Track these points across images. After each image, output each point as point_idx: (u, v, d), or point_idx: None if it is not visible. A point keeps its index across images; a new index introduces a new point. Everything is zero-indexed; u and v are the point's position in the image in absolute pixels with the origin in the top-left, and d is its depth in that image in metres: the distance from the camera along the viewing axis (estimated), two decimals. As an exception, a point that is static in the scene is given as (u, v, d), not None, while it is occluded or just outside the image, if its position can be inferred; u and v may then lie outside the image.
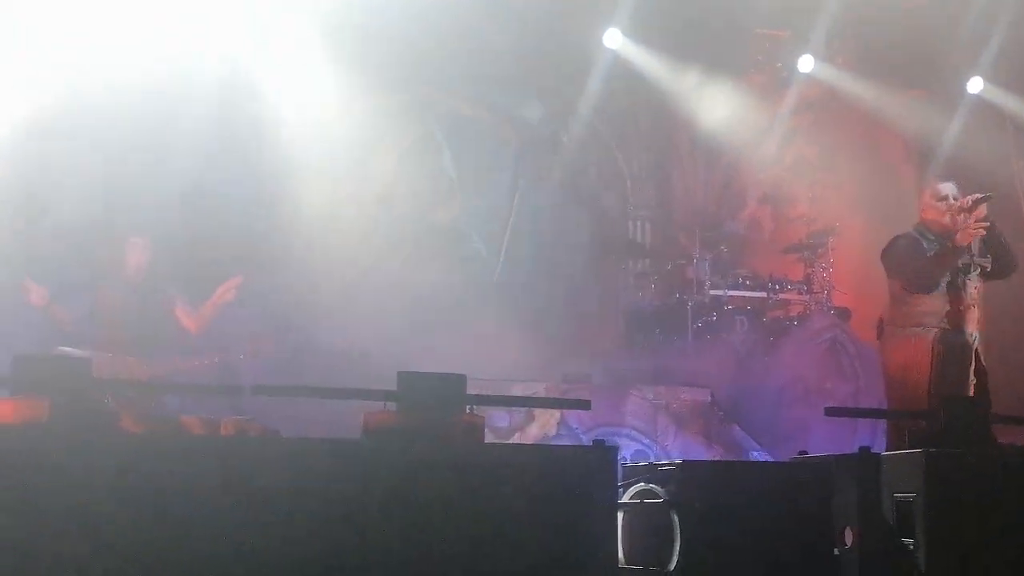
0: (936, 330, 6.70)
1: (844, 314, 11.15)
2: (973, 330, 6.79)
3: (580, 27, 11.33)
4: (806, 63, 11.97)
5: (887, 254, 7.09)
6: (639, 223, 12.27)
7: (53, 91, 9.05)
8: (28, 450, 4.07)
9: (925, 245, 6.96)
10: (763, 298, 11.12)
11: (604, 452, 4.57)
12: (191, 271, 9.79)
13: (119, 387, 6.10)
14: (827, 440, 8.93)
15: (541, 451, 5.40)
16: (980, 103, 12.00)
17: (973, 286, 6.84)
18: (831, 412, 5.12)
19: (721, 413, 9.68)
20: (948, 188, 7.08)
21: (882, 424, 8.57)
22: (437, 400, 4.60)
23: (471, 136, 11.66)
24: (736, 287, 11.03)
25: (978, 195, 6.93)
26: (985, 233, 6.79)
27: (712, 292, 10.88)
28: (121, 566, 4.07)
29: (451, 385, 4.66)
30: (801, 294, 11.27)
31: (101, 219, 8.92)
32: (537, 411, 9.35)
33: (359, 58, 10.28)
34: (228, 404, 7.79)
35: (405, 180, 11.32)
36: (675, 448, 9.27)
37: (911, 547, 4.33)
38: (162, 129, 9.48)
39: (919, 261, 6.83)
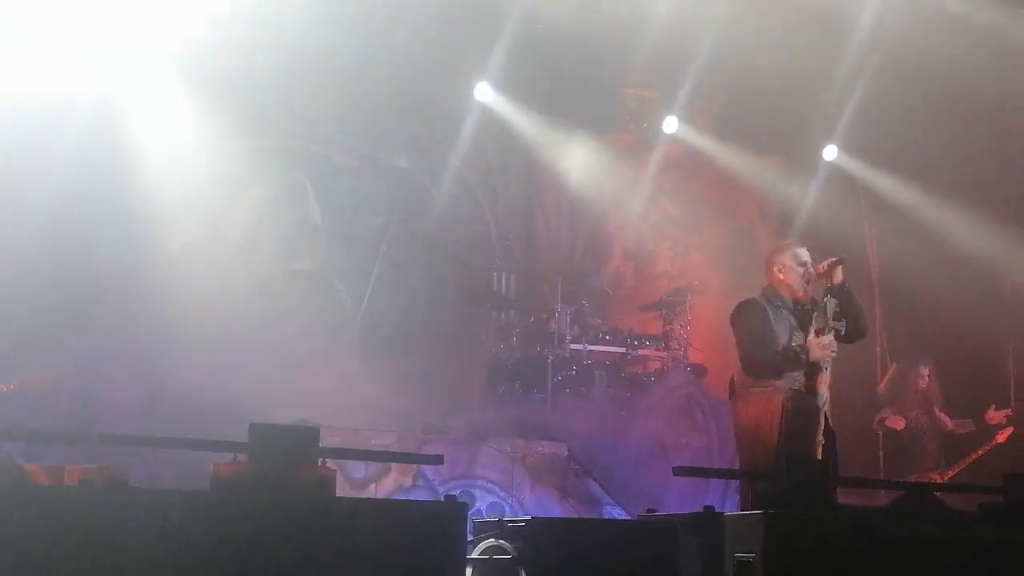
0: (787, 390, 6.78)
1: (700, 371, 11.37)
2: (824, 392, 6.83)
3: (451, 80, 11.45)
4: (671, 124, 12.29)
5: (735, 325, 7.10)
6: (504, 275, 12.35)
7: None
8: None
9: (771, 314, 6.96)
10: (622, 353, 11.29)
11: (455, 508, 4.59)
12: (53, 307, 9.59)
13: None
14: (682, 496, 9.09)
15: (392, 506, 5.39)
16: (834, 170, 12.46)
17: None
18: (679, 472, 5.22)
19: (577, 467, 9.75)
20: (805, 254, 7.15)
21: (735, 481, 8.76)
22: (288, 452, 4.56)
23: (340, 184, 11.64)
24: (596, 342, 11.18)
25: (832, 259, 7.07)
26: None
27: (572, 346, 11.01)
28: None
29: (303, 437, 4.64)
30: (659, 350, 11.47)
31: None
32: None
33: (228, 103, 10.25)
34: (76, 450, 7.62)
35: (270, 226, 11.24)
36: (531, 501, 9.31)
37: (750, 607, 4.43)
38: (27, 164, 9.28)
39: (766, 354, 6.79)
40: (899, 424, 10.20)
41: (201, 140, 10.27)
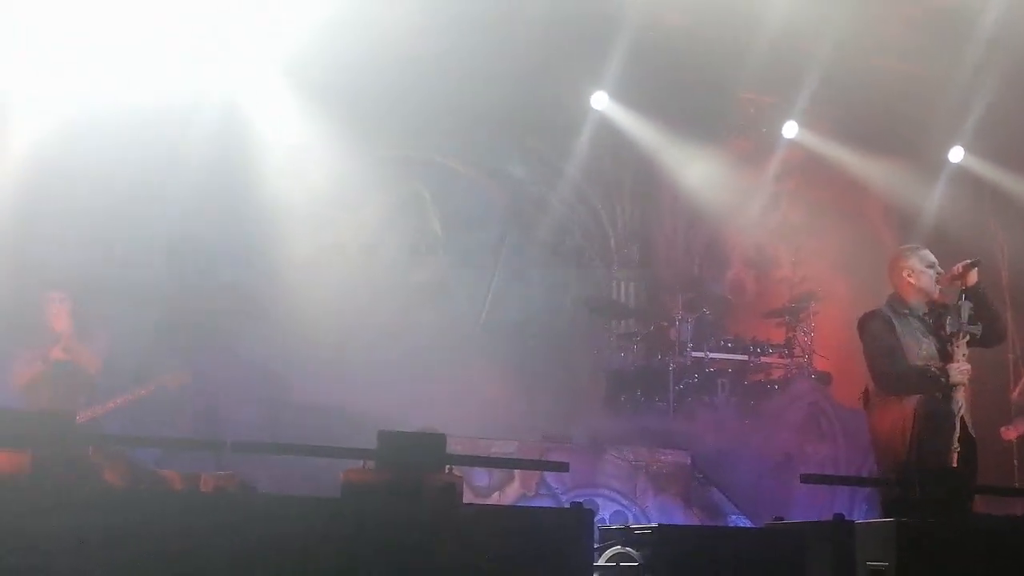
0: (919, 397, 6.61)
1: (825, 379, 11.20)
2: (960, 398, 6.64)
3: (567, 89, 11.46)
4: (790, 129, 12.12)
5: (862, 339, 6.91)
6: (623, 284, 12.35)
7: (53, 130, 9.10)
8: (9, 502, 4.08)
9: (897, 326, 6.78)
10: (745, 361, 11.17)
11: (581, 514, 4.60)
12: (176, 320, 9.85)
13: (101, 440, 6.11)
14: (807, 505, 8.96)
15: (518, 513, 5.43)
16: (960, 172, 12.16)
17: (961, 353, 6.71)
18: (806, 479, 5.15)
19: (701, 476, 9.69)
20: (931, 255, 6.97)
21: (863, 490, 8.61)
22: (416, 459, 4.62)
23: (459, 193, 11.76)
24: (718, 350, 11.08)
25: (967, 261, 6.87)
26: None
27: (694, 354, 10.93)
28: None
29: (430, 444, 4.70)
30: (782, 358, 11.32)
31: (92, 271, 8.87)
32: (517, 471, 9.37)
33: (348, 114, 10.39)
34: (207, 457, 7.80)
35: (390, 236, 11.39)
36: (654, 510, 9.27)
37: (883, 616, 4.35)
38: (155, 178, 9.56)
39: (900, 369, 6.60)
40: (1011, 435, 9.79)
41: (322, 152, 10.45)
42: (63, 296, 7.90)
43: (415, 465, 4.62)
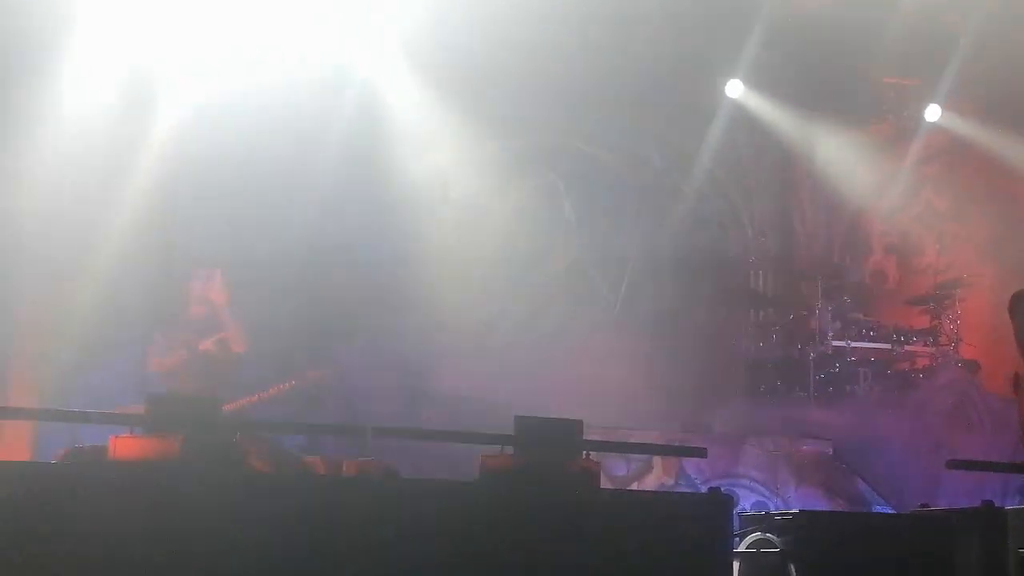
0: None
1: (973, 367, 10.88)
2: None
3: (702, 77, 11.36)
4: (933, 112, 11.80)
5: (1012, 316, 6.74)
6: (760, 272, 12.19)
7: (195, 115, 9.31)
8: (160, 485, 4.22)
9: None
10: (887, 350, 10.93)
11: (720, 500, 4.57)
12: (315, 311, 10.04)
13: (247, 426, 6.27)
14: (954, 496, 8.71)
15: (657, 498, 5.41)
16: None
17: None
18: (953, 465, 5.01)
19: (843, 466, 9.51)
20: None
21: (1013, 481, 8.35)
22: (554, 445, 4.64)
23: (593, 183, 11.73)
24: (859, 338, 10.86)
25: None
26: None
27: (835, 343, 10.73)
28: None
29: (568, 430, 4.71)
30: (927, 346, 11.04)
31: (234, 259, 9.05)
32: (655, 460, 9.32)
33: (486, 103, 10.45)
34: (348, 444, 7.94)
35: (525, 226, 11.42)
36: (795, 500, 9.13)
37: (1037, 604, 4.22)
38: (293, 171, 9.73)
39: None
40: None
41: (458, 141, 10.53)
42: (211, 275, 8.04)
43: (552, 451, 4.63)
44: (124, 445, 4.49)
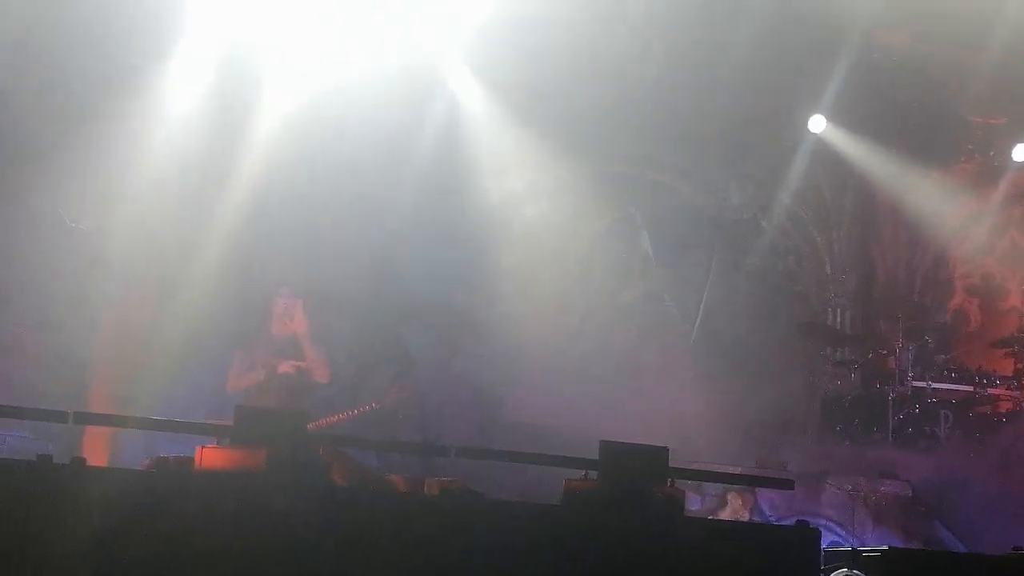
0: None
1: (1056, 412, 10.65)
2: None
3: (785, 112, 11.30)
4: (1021, 152, 11.61)
5: None
6: (839, 309, 12.05)
7: (282, 128, 9.35)
8: (244, 496, 4.24)
9: None
10: (970, 392, 10.71)
11: (807, 533, 4.50)
12: (391, 337, 10.08)
13: (332, 440, 6.29)
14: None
15: (742, 529, 5.33)
16: None
17: None
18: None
19: (923, 508, 9.33)
20: None
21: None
22: (639, 471, 4.60)
23: (671, 211, 11.67)
24: (941, 379, 10.67)
25: None
26: None
27: (915, 384, 10.55)
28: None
29: (654, 456, 4.66)
30: (1011, 390, 10.81)
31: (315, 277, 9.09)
32: (731, 496, 9.21)
33: (569, 131, 10.46)
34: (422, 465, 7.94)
35: (602, 255, 11.40)
36: (872, 541, 8.95)
37: None
38: (375, 187, 9.76)
39: None
40: None
41: (539, 170, 10.54)
42: (292, 295, 8.09)
43: (638, 477, 4.59)
44: (210, 456, 4.52)
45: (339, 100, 9.40)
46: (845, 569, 4.75)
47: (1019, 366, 10.90)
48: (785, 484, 5.15)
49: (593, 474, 4.68)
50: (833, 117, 11.34)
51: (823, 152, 11.55)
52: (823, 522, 9.01)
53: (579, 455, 4.74)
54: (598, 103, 10.56)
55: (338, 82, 9.40)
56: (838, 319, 12.00)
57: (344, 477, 5.70)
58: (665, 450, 4.70)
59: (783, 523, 8.61)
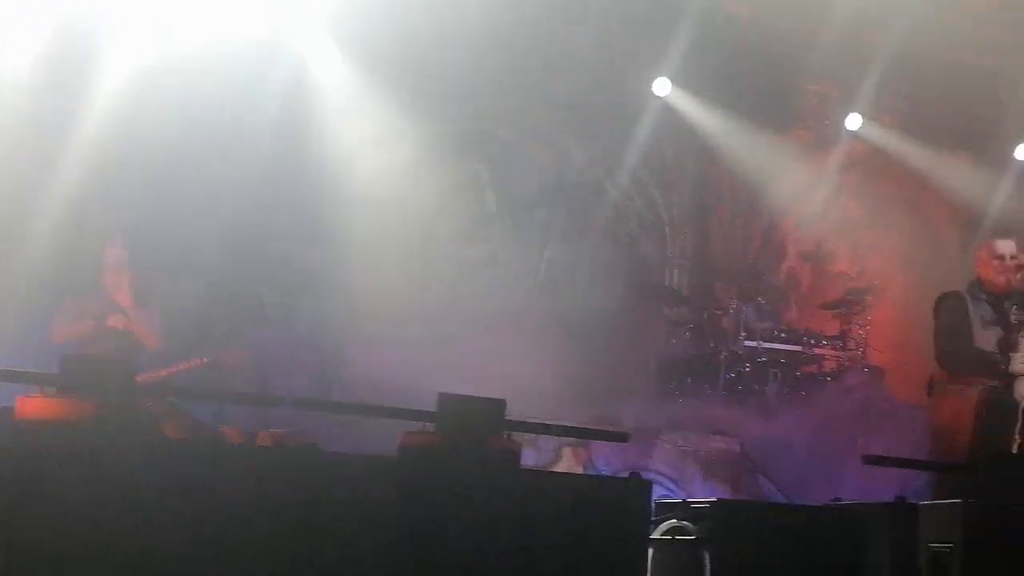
0: (983, 387, 6.66)
1: (878, 372, 11.10)
2: (1022, 388, 6.66)
3: (629, 74, 11.41)
4: (854, 121, 11.99)
5: (935, 317, 7.04)
6: (676, 271, 12.29)
7: (126, 82, 9.09)
8: (71, 449, 4.12)
9: (971, 308, 6.87)
10: (798, 352, 11.07)
11: (639, 485, 4.59)
12: (231, 292, 9.90)
13: (163, 391, 6.15)
14: (856, 496, 8.86)
15: (576, 480, 5.42)
16: (1027, 170, 12.01)
17: None
18: (869, 460, 5.09)
19: (750, 464, 9.63)
20: (1006, 246, 7.01)
21: (911, 484, 8.53)
22: (476, 423, 4.62)
23: (514, 173, 11.70)
24: (771, 340, 10.99)
25: None
26: None
27: (746, 343, 10.85)
28: (154, 568, 4.10)
29: (491, 409, 4.69)
30: (836, 350, 11.22)
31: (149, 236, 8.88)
32: (565, 451, 9.34)
33: (413, 88, 10.38)
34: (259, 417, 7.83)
35: (446, 216, 11.37)
36: (701, 495, 9.19)
37: (945, 598, 4.30)
38: (216, 150, 9.57)
39: (960, 351, 6.75)
40: None
41: (383, 127, 10.44)
42: (123, 253, 7.89)
43: (475, 429, 4.61)
44: (32, 405, 4.37)
45: (185, 55, 9.16)
46: (675, 520, 4.88)
47: (844, 327, 11.32)
48: (620, 437, 5.26)
49: (431, 426, 4.68)
50: (677, 81, 11.50)
51: (666, 115, 11.70)
52: (655, 476, 9.22)
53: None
54: (443, 61, 10.50)
55: (183, 37, 9.18)
56: (675, 280, 12.23)
57: (176, 429, 5.58)
58: (502, 403, 4.74)
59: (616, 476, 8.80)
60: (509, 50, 10.61)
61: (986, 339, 6.77)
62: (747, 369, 10.79)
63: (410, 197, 11.12)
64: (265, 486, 4.26)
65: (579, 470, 9.15)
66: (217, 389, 7.34)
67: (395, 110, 10.48)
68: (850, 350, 11.19)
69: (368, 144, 10.56)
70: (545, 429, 6.28)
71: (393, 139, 10.66)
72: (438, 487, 4.42)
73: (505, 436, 4.71)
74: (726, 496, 9.25)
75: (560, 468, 9.16)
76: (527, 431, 4.81)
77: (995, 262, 6.95)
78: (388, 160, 10.68)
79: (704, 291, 12.15)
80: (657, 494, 8.94)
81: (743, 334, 10.86)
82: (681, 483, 9.27)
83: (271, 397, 6.64)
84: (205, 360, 7.79)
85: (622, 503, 4.53)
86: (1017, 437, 6.44)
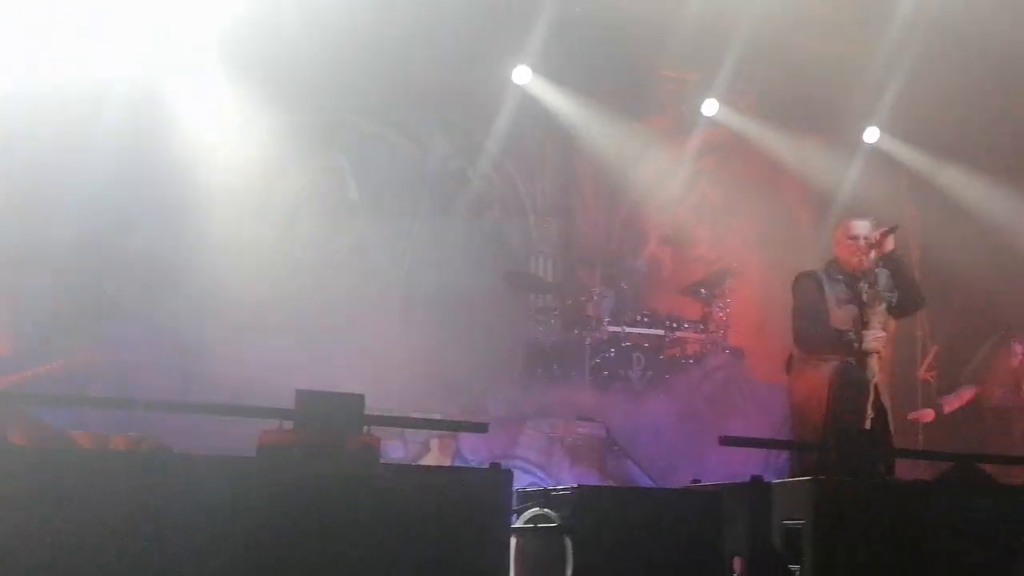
0: (836, 363, 6.82)
1: (739, 353, 11.32)
2: (874, 365, 6.85)
3: (490, 62, 11.41)
4: (710, 106, 12.19)
5: (793, 293, 7.20)
6: (541, 258, 12.35)
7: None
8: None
9: (827, 287, 7.03)
10: (660, 336, 11.22)
11: (499, 475, 4.59)
12: (83, 295, 9.64)
13: (5, 399, 5.93)
14: (719, 476, 9.03)
15: (436, 473, 5.40)
16: (876, 152, 12.36)
17: (878, 321, 6.93)
18: (725, 441, 5.18)
19: (616, 447, 9.74)
20: (860, 227, 7.18)
21: (774, 461, 8.73)
22: (334, 419, 4.57)
23: (377, 163, 11.63)
24: (634, 324, 11.12)
25: (883, 228, 7.08)
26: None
27: (611, 329, 10.96)
28: (1, 578, 3.97)
29: (349, 404, 4.64)
30: (698, 333, 11.40)
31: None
32: (433, 442, 9.34)
33: (270, 79, 10.23)
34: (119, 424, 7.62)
35: (308, 208, 11.24)
36: (569, 481, 9.28)
37: (797, 573, 4.40)
38: (67, 151, 9.32)
39: (814, 329, 6.92)
40: (928, 417, 9.78)
41: (241, 118, 10.28)
42: None
43: (333, 425, 4.56)
44: None
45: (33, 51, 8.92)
46: (536, 508, 4.90)
47: (706, 311, 11.51)
48: (479, 428, 5.24)
49: (289, 424, 4.62)
50: (537, 69, 11.55)
51: (528, 103, 11.75)
52: (522, 464, 9.28)
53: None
54: (302, 52, 10.35)
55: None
56: (540, 267, 12.29)
57: (23, 436, 5.39)
58: (361, 397, 4.69)
59: (474, 466, 8.83)
60: (369, 40, 10.50)
61: (841, 318, 6.94)
62: (612, 354, 10.90)
63: (272, 189, 10.98)
64: (117, 492, 4.15)
65: (447, 461, 9.15)
66: (62, 394, 7.13)
67: (255, 102, 10.32)
68: (711, 332, 11.38)
69: (229, 135, 10.38)
70: (403, 423, 6.26)
71: (253, 131, 10.49)
72: (296, 486, 4.35)
73: (365, 431, 4.66)
74: (595, 481, 9.36)
75: (428, 460, 9.15)
76: (384, 425, 4.76)
77: (850, 242, 7.12)
78: (249, 152, 10.52)
79: (568, 277, 12.23)
80: (525, 482, 9.06)
81: (607, 319, 10.97)
82: (549, 470, 9.34)
83: (120, 400, 6.45)
84: (59, 362, 7.56)
85: (483, 493, 4.53)
86: (871, 412, 6.62)
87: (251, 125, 10.44)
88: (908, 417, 10.13)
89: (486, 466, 4.78)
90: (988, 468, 4.98)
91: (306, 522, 4.31)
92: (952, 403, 9.73)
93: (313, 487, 4.37)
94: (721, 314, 11.49)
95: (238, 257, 10.26)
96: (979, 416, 9.78)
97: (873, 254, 6.98)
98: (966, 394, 9.75)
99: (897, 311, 7.09)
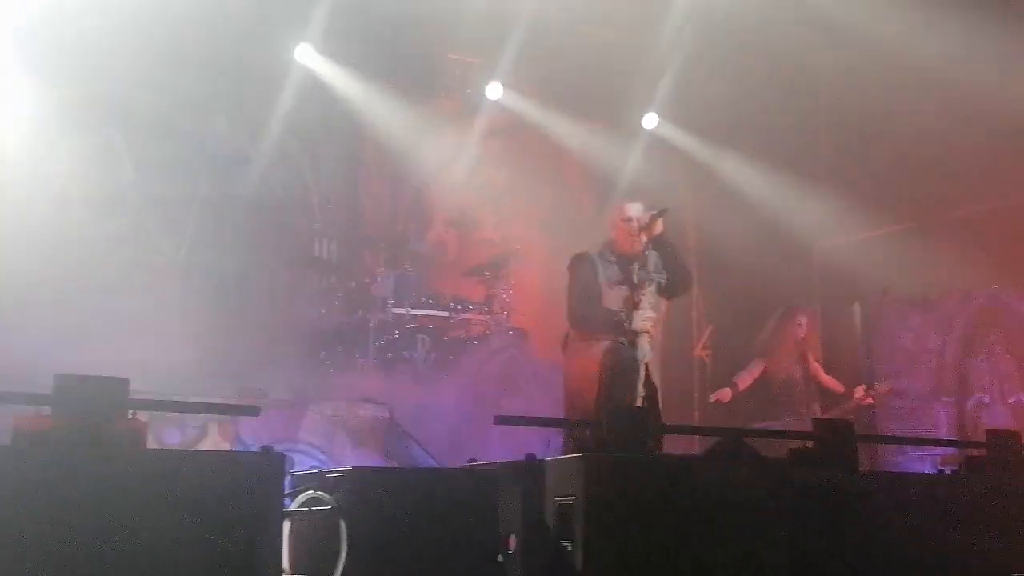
0: (608, 343, 6.95)
1: (522, 334, 11.45)
2: (645, 345, 7.01)
3: (272, 40, 11.18)
4: (494, 90, 12.26)
5: (569, 274, 7.31)
6: (325, 240, 12.19)
7: None
8: None
9: (601, 269, 7.17)
10: (445, 317, 11.27)
11: (271, 458, 4.47)
12: None
13: None
14: (503, 455, 9.12)
15: (206, 457, 5.25)
16: (655, 138, 12.68)
17: (648, 302, 7.09)
18: (500, 421, 5.21)
19: (400, 429, 9.71)
20: (633, 209, 7.33)
21: (555, 441, 8.86)
22: (95, 404, 4.37)
23: (154, 142, 11.24)
24: (419, 306, 11.12)
25: (653, 212, 7.26)
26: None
27: (395, 310, 10.93)
28: None
29: (111, 388, 4.45)
30: (481, 314, 11.49)
31: None
32: (210, 427, 9.09)
33: (38, 51, 9.76)
34: None
35: (80, 188, 10.77)
36: (353, 463, 9.19)
37: (569, 548, 4.46)
38: None
39: (586, 309, 7.05)
40: (726, 396, 10.09)
41: (8, 96, 9.77)
42: None
43: (94, 410, 4.36)
44: None
45: None
46: (311, 491, 4.82)
47: (490, 292, 11.61)
48: (250, 411, 5.12)
49: (47, 410, 4.40)
50: (321, 48, 11.39)
51: (312, 83, 11.57)
52: (304, 447, 9.14)
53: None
54: (76, 24, 9.91)
55: None
56: (324, 249, 12.14)
57: None
58: (125, 381, 4.50)
59: (249, 450, 8.65)
60: (147, 13, 10.12)
61: (613, 299, 7.10)
62: (396, 336, 10.88)
63: (40, 167, 10.49)
64: None
65: (226, 446, 8.92)
66: None
67: (21, 73, 9.82)
68: (495, 314, 11.49)
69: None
70: (168, 407, 6.06)
71: (20, 106, 9.99)
72: (57, 473, 4.14)
73: (130, 416, 4.48)
74: (379, 463, 9.31)
75: (206, 444, 8.90)
76: (149, 409, 4.59)
77: (623, 224, 7.28)
78: (16, 127, 10.01)
79: (353, 259, 12.12)
80: (307, 465, 8.93)
81: (391, 301, 10.93)
82: (331, 453, 9.23)
83: None
84: None
85: (255, 478, 4.41)
86: (642, 390, 6.79)
87: (16, 100, 9.93)
88: (711, 399, 10.37)
89: (256, 450, 4.66)
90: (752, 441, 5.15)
91: (68, 511, 4.11)
92: (745, 379, 10.01)
93: (74, 474, 4.17)
94: (505, 296, 11.61)
95: (5, 237, 9.79)
96: (768, 388, 10.06)
97: (644, 237, 7.14)
98: (756, 369, 10.03)
99: (666, 292, 7.29)
